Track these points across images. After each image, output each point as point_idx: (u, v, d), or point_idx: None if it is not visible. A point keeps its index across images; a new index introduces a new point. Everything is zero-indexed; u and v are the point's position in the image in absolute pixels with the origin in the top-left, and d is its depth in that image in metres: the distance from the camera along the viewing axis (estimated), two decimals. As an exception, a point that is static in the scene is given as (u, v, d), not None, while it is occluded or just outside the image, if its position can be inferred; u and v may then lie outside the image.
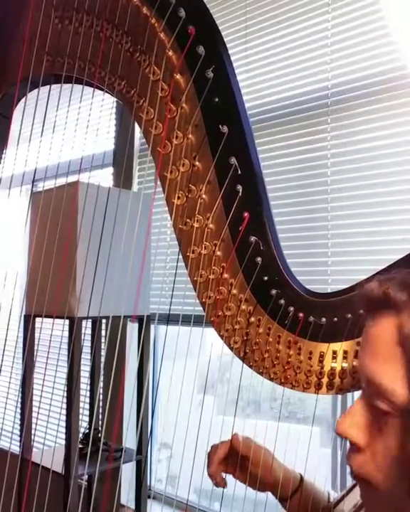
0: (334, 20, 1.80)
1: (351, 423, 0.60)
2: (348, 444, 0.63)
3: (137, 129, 2.33)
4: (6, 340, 1.10)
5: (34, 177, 1.08)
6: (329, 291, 1.04)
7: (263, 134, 1.93)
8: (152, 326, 2.00)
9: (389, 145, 1.66)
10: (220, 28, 2.06)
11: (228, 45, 2.05)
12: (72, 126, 1.31)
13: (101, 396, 2.00)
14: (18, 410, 1.99)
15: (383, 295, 0.57)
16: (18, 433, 2.10)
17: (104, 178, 2.47)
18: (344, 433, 0.61)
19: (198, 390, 1.37)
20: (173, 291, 1.00)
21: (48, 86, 0.94)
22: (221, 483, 0.97)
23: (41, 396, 1.28)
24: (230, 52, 2.04)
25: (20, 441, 1.83)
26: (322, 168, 1.80)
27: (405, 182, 1.60)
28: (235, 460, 0.96)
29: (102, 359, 2.04)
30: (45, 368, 1.18)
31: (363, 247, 1.68)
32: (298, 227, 1.83)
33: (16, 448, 2.04)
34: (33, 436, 1.87)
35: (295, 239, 1.81)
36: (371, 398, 0.58)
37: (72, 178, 1.62)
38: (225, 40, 1.95)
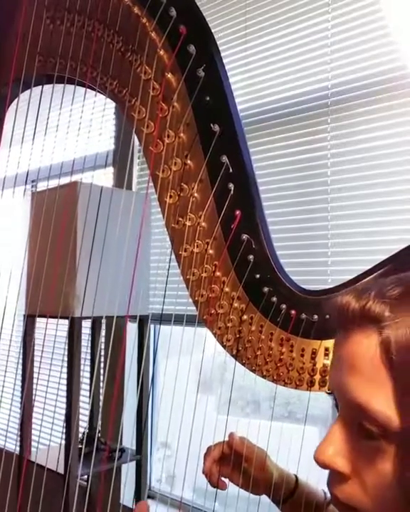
0: (334, 20, 1.80)
1: (335, 451, 0.54)
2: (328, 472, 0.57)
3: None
4: (1, 339, 1.11)
5: (27, 178, 1.08)
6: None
7: (263, 134, 1.94)
8: (152, 326, 2.01)
9: (388, 145, 1.65)
10: (219, 28, 2.06)
11: (227, 45, 2.05)
12: (72, 126, 1.32)
13: (100, 396, 2.00)
14: (17, 409, 2.00)
15: (360, 310, 0.52)
16: (17, 432, 2.10)
17: (104, 178, 2.47)
18: (329, 463, 0.54)
19: (197, 389, 1.37)
20: (165, 290, 1.00)
21: (41, 86, 0.95)
22: (220, 485, 0.97)
23: (36, 395, 1.28)
24: (229, 52, 2.05)
25: (20, 441, 1.83)
26: (322, 168, 1.79)
27: (405, 182, 1.60)
28: (230, 461, 0.96)
29: (102, 359, 2.05)
30: (39, 367, 1.18)
31: (363, 247, 1.67)
32: (298, 227, 1.82)
33: (14, 447, 2.04)
34: (31, 436, 1.87)
35: (295, 239, 1.81)
36: (354, 421, 0.53)
37: (71, 179, 1.63)
38: (224, 40, 1.94)
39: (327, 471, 0.57)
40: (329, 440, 0.55)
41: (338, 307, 0.55)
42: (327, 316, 0.85)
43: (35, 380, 1.56)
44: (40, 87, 0.95)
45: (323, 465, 0.55)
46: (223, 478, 0.98)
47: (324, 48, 1.83)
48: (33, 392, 1.74)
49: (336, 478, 0.55)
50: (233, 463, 0.97)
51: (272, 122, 1.93)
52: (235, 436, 0.97)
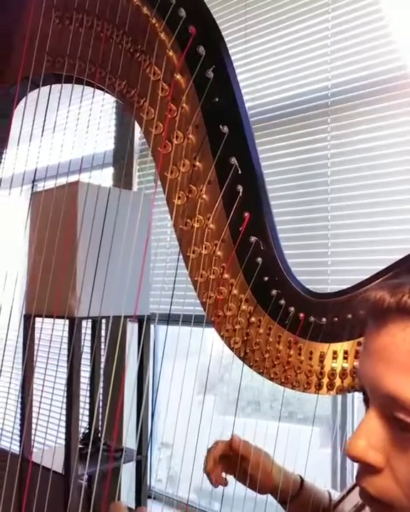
0: (334, 21, 1.80)
1: (368, 444, 0.53)
2: (357, 465, 0.56)
3: (137, 129, 2.33)
4: (6, 340, 1.10)
5: (34, 177, 1.08)
6: (329, 291, 1.05)
7: (263, 134, 1.93)
8: (152, 326, 2.00)
9: (388, 145, 1.66)
10: (220, 28, 2.06)
11: (228, 45, 2.04)
12: (73, 126, 1.31)
13: (101, 396, 2.00)
14: (18, 410, 1.99)
15: (397, 303, 0.52)
16: (18, 433, 2.10)
17: (105, 178, 2.46)
18: (361, 456, 0.53)
19: (199, 389, 1.37)
20: (173, 291, 1.00)
21: (49, 86, 0.94)
22: (221, 482, 0.97)
23: (41, 396, 1.27)
24: (230, 52, 2.04)
25: (20, 441, 1.82)
26: (322, 168, 1.80)
27: (405, 182, 1.60)
28: (234, 461, 0.96)
29: (102, 359, 2.04)
30: (46, 368, 1.18)
31: (363, 247, 1.68)
32: (298, 227, 1.82)
33: (16, 448, 2.04)
34: (33, 436, 1.87)
35: (295, 239, 1.81)
36: (387, 412, 0.53)
37: (72, 178, 1.62)
38: (225, 40, 1.95)
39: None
40: (360, 433, 0.54)
41: (372, 302, 0.55)
42: (336, 319, 0.84)
43: (36, 381, 1.55)
44: (48, 86, 0.94)
45: (355, 459, 0.54)
46: (224, 474, 0.98)
47: (324, 48, 1.83)
48: (34, 393, 1.74)
49: (367, 471, 0.54)
50: (239, 466, 0.96)
51: (272, 122, 1.93)
52: (238, 439, 0.96)
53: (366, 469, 0.54)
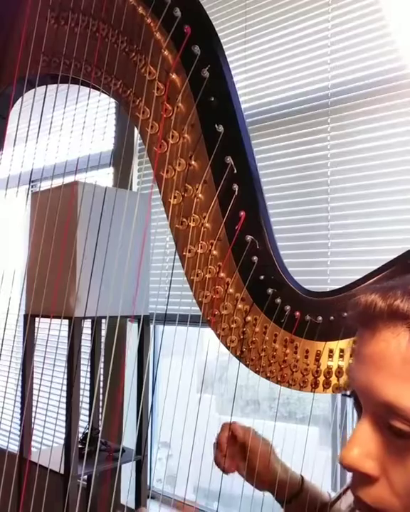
0: (334, 21, 1.80)
1: (362, 452, 0.51)
2: (350, 474, 0.54)
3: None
4: (3, 339, 1.11)
5: (31, 177, 1.08)
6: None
7: (263, 134, 1.94)
8: (151, 326, 2.00)
9: (389, 145, 1.65)
10: (219, 28, 2.07)
11: (227, 45, 2.06)
12: (72, 126, 1.31)
13: (100, 396, 2.00)
14: (18, 410, 2.00)
15: (389, 308, 0.51)
16: (17, 432, 2.10)
17: (104, 178, 2.47)
18: (355, 466, 0.52)
19: (198, 389, 1.37)
20: (169, 290, 1.00)
21: (45, 86, 0.94)
22: (231, 469, 0.96)
23: (39, 395, 1.28)
24: (229, 52, 2.05)
25: (19, 440, 1.83)
26: (322, 168, 1.79)
27: (405, 182, 1.60)
28: (235, 449, 0.95)
29: (102, 359, 2.05)
30: (42, 368, 1.18)
31: (363, 247, 1.67)
32: (298, 227, 1.82)
33: (15, 448, 2.04)
34: (32, 436, 1.87)
35: (295, 239, 1.81)
36: (382, 419, 0.51)
37: (71, 178, 1.63)
38: (224, 40, 1.95)
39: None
40: (354, 441, 0.52)
41: (363, 306, 0.53)
42: (332, 318, 0.84)
43: (36, 381, 1.56)
44: (43, 86, 0.94)
45: (349, 468, 0.52)
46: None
47: (324, 48, 1.83)
48: (34, 393, 1.74)
49: (362, 480, 0.53)
50: (239, 453, 0.96)
51: (272, 122, 1.93)
52: (237, 427, 0.96)
53: (361, 479, 0.53)
